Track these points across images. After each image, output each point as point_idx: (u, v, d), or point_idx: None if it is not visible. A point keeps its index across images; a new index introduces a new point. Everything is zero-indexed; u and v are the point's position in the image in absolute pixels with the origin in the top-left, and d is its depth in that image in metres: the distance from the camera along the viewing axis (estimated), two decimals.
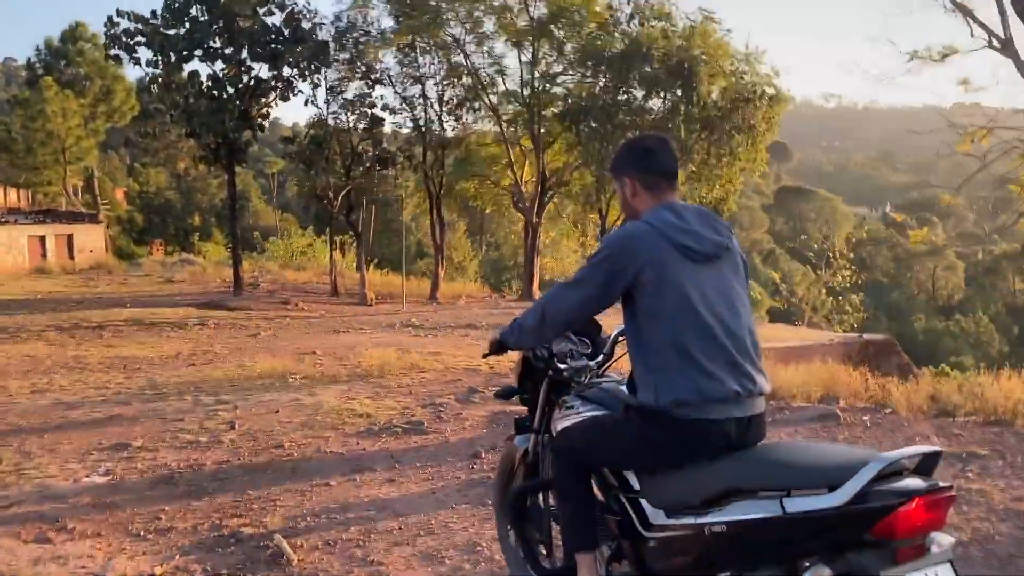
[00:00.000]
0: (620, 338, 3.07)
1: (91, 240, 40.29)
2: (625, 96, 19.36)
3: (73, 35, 47.01)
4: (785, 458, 2.24)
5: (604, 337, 3.23)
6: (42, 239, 37.22)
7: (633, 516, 2.52)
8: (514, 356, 3.26)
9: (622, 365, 2.93)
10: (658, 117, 19.31)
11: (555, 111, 22.49)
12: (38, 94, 42.65)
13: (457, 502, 4.75)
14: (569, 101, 21.55)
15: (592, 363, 3.09)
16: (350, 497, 4.93)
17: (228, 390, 8.60)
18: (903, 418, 6.52)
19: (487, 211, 30.63)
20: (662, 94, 19.03)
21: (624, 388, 2.77)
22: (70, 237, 38.96)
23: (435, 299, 22.74)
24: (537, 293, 23.95)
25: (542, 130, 22.58)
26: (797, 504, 2.06)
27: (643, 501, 2.48)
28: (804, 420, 6.40)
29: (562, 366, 3.00)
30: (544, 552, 3.18)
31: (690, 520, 2.28)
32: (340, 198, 22.91)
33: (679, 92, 18.32)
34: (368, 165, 23.32)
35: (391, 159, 23.40)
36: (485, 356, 3.04)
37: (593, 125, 19.36)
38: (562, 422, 2.87)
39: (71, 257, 37.53)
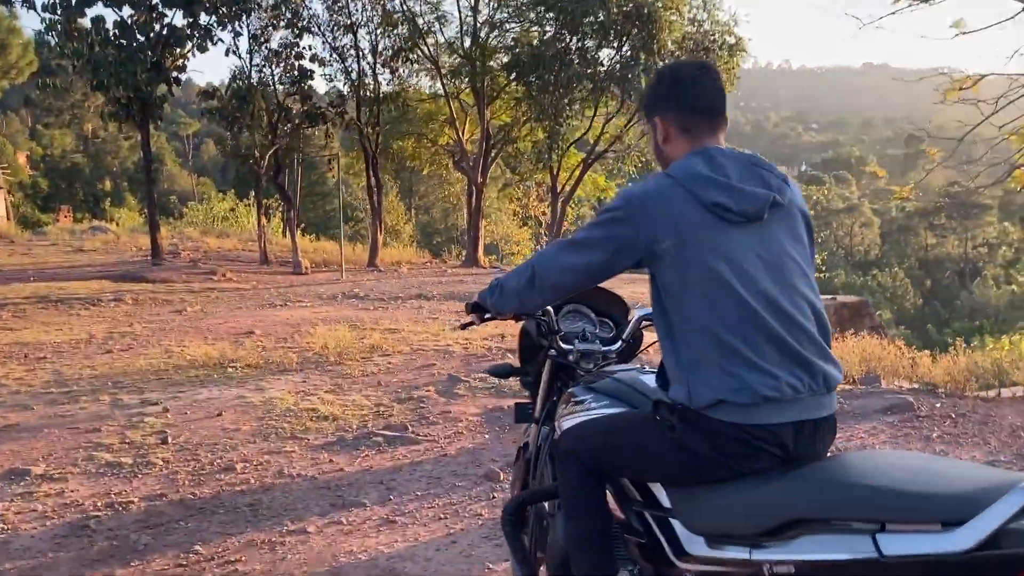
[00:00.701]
0: (646, 322, 2.64)
1: None
2: (580, 44, 17.99)
3: None
4: (876, 477, 1.65)
5: (630, 321, 2.68)
6: None
7: (663, 540, 2.02)
8: (513, 328, 2.73)
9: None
10: (615, 67, 17.99)
11: (502, 62, 21.01)
12: None
13: (492, 557, 3.48)
14: (517, 51, 20.07)
15: (606, 349, 2.59)
16: (339, 551, 3.62)
17: (155, 385, 7.12)
18: (980, 403, 5.52)
19: (425, 172, 28.98)
20: (617, 43, 17.69)
21: (646, 379, 2.27)
22: None
23: (375, 266, 21.24)
24: (483, 259, 22.65)
25: (486, 83, 21.08)
26: (899, 544, 1.53)
27: (675, 523, 1.99)
28: (872, 413, 5.32)
29: (566, 346, 2.53)
30: None
31: (742, 554, 1.78)
32: (267, 158, 21.05)
33: (637, 41, 17.05)
34: (297, 122, 21.49)
35: (321, 116, 21.60)
36: (463, 327, 2.63)
37: (546, 77, 17.95)
38: (567, 420, 2.34)
39: None
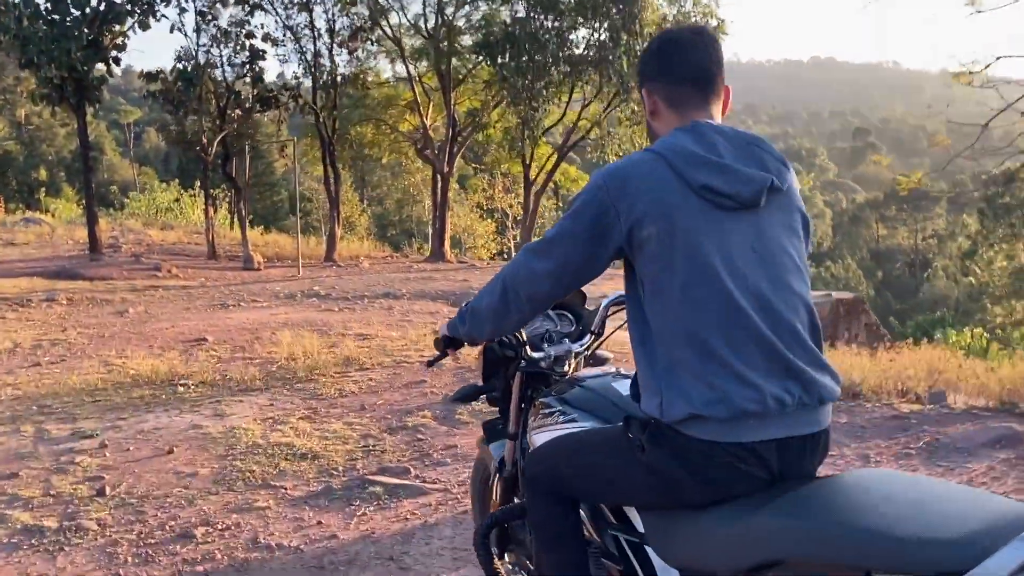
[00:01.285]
0: (613, 309, 2.39)
1: None
2: (557, 23, 16.93)
3: None
4: (867, 514, 1.37)
5: (590, 310, 2.46)
6: None
7: (637, 569, 1.82)
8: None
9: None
10: (594, 47, 16.91)
11: (471, 42, 19.84)
12: None
13: None
14: (487, 31, 18.89)
15: (576, 346, 2.35)
16: None
17: (91, 410, 5.93)
18: None
19: (384, 160, 27.61)
20: (596, 23, 16.65)
21: (619, 386, 2.04)
22: None
23: (333, 261, 20.00)
24: (450, 253, 21.51)
25: (451, 66, 19.91)
26: None
27: (650, 551, 1.77)
28: (979, 447, 4.42)
29: (537, 354, 2.27)
30: None
31: None
32: (215, 145, 19.63)
33: (616, 20, 16.05)
34: (247, 107, 20.09)
35: (274, 100, 20.26)
36: (430, 365, 2.34)
37: (520, 58, 16.81)
38: (538, 435, 2.11)
39: None
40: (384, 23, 20.28)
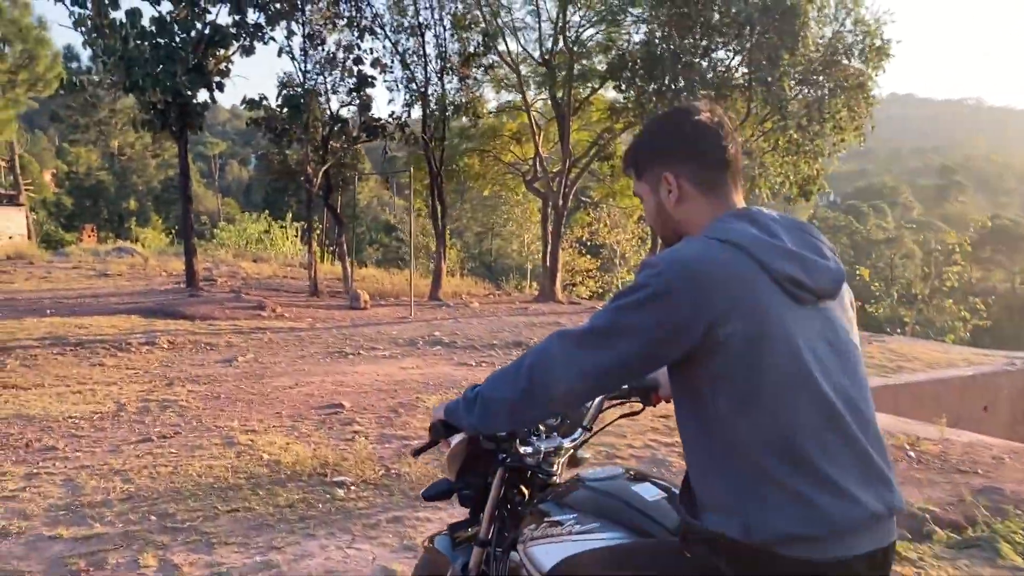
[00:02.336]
0: (607, 404, 2.19)
1: (10, 225, 34.99)
2: (704, 42, 15.19)
3: None
4: None
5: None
6: None
7: None
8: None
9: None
10: (738, 71, 15.06)
11: (593, 65, 18.28)
12: None
13: None
14: (617, 51, 17.24)
15: (568, 441, 2.06)
16: None
17: (227, 528, 4.36)
18: None
19: (485, 193, 26.21)
20: (750, 41, 14.77)
21: (640, 490, 1.81)
22: None
23: (439, 299, 18.52)
24: (560, 293, 19.84)
25: (572, 92, 18.37)
26: None
27: None
28: None
29: (526, 449, 1.97)
30: None
31: None
32: (319, 176, 18.46)
33: (774, 39, 14.22)
34: (355, 135, 18.90)
35: (380, 129, 19.02)
36: (417, 453, 2.05)
37: (661, 81, 15.07)
38: (542, 548, 1.82)
39: None
40: (498, 47, 18.87)
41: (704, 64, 15.10)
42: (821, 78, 14.34)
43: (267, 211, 39.94)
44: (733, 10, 14.13)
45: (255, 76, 20.82)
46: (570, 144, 19.21)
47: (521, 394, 1.56)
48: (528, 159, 22.12)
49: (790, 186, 16.08)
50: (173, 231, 43.96)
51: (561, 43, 18.47)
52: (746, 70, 14.83)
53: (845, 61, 14.90)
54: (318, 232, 37.21)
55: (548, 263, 19.55)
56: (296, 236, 35.06)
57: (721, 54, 15.59)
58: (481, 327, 13.88)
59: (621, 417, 2.25)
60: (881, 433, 1.52)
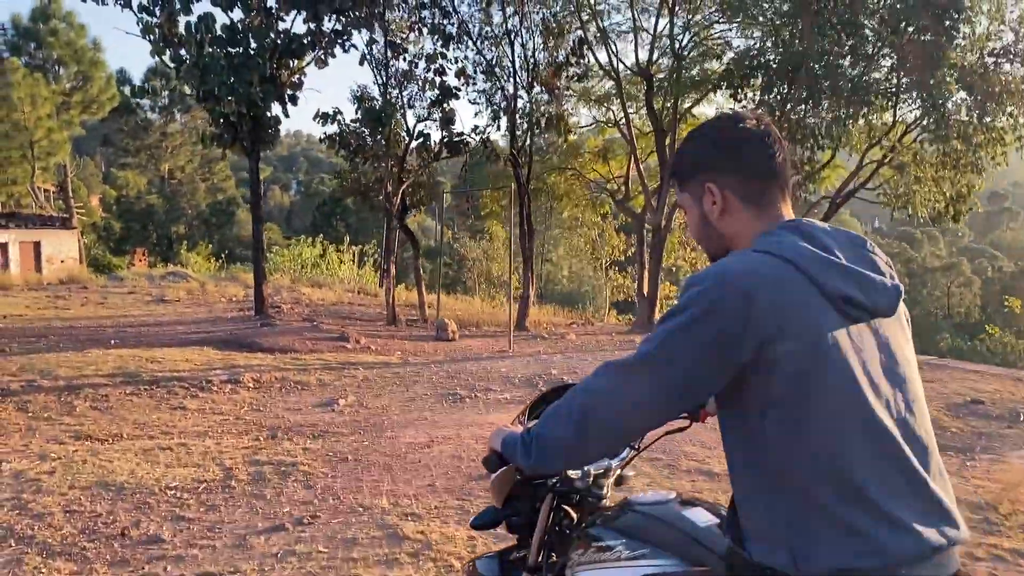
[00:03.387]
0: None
1: (62, 249, 34.17)
2: (851, 42, 13.42)
3: (45, 12, 40.66)
4: None
5: None
6: (3, 246, 30.99)
7: None
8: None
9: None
10: (900, 69, 13.13)
11: (708, 71, 16.64)
12: (3, 78, 36.34)
13: None
14: (736, 55, 15.54)
15: (616, 462, 1.98)
16: None
17: None
18: None
19: (565, 214, 24.63)
20: (907, 39, 12.85)
21: (692, 515, 1.74)
22: (37, 245, 32.79)
23: (525, 329, 16.94)
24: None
25: (676, 102, 16.75)
26: None
27: None
28: None
29: (575, 473, 1.90)
30: None
31: None
32: (399, 195, 17.05)
33: (928, 40, 12.42)
34: (436, 151, 17.48)
35: (464, 145, 17.58)
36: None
37: (816, 86, 13.05)
38: (594, 572, 1.77)
39: (38, 269, 31.38)
40: (594, 56, 17.36)
41: (847, 64, 13.22)
42: (981, 81, 12.48)
43: (315, 235, 38.77)
44: (883, 3, 12.35)
45: (325, 92, 19.59)
46: (668, 160, 17.56)
47: (575, 433, 1.46)
48: (614, 178, 20.55)
49: (946, 205, 14.24)
50: (224, 255, 42.99)
51: (657, 51, 16.91)
52: (907, 73, 12.90)
53: (1008, 65, 13.08)
54: (375, 256, 36.03)
55: (648, 290, 17.82)
56: (353, 260, 33.85)
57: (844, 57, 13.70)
58: (596, 362, 12.25)
59: (668, 434, 1.93)
60: (941, 461, 1.42)
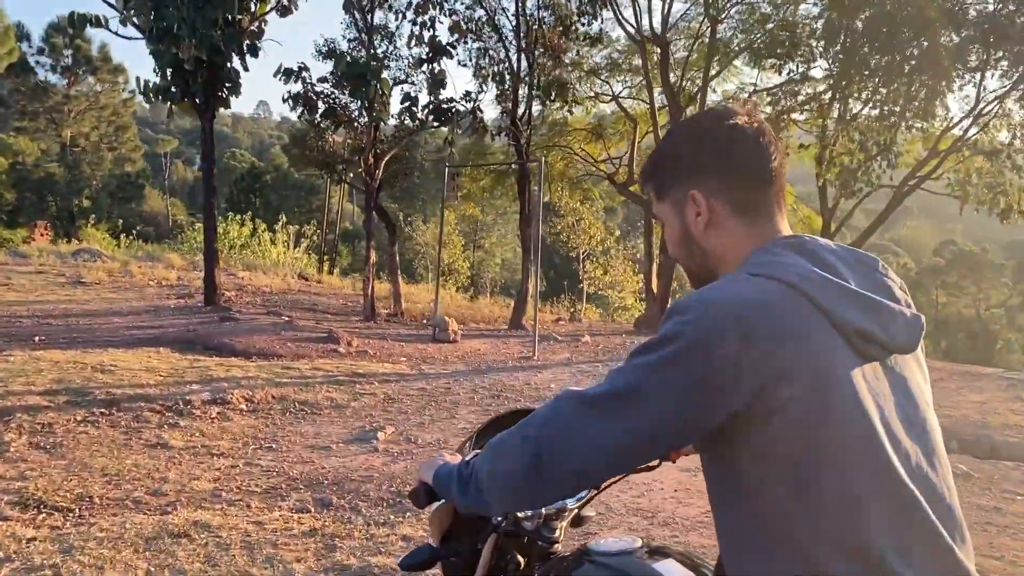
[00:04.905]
0: None
1: None
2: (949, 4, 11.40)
3: None
4: None
5: None
6: None
7: None
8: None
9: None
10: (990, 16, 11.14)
11: (738, 42, 14.61)
12: None
13: None
14: (781, 25, 13.48)
15: (573, 502, 1.71)
16: None
17: None
18: None
19: (560, 199, 22.23)
20: None
21: (664, 568, 1.50)
22: None
23: (522, 327, 14.80)
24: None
25: (707, 74, 14.72)
26: None
27: None
28: None
29: (523, 512, 1.64)
30: None
31: None
32: (381, 167, 14.59)
33: None
34: (423, 118, 15.08)
35: (453, 113, 15.24)
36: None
37: (893, 41, 10.87)
38: None
39: None
40: (608, 10, 15.14)
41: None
42: None
43: (234, 214, 35.38)
44: None
45: (285, 45, 16.94)
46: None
47: (525, 472, 1.23)
48: (611, 159, 18.52)
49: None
50: (134, 232, 39.32)
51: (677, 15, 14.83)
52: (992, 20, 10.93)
53: None
54: (313, 238, 33.05)
55: (659, 286, 15.83)
56: (287, 242, 30.95)
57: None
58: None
59: (634, 472, 1.52)
60: (960, 516, 1.21)
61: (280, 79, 15.29)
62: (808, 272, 1.18)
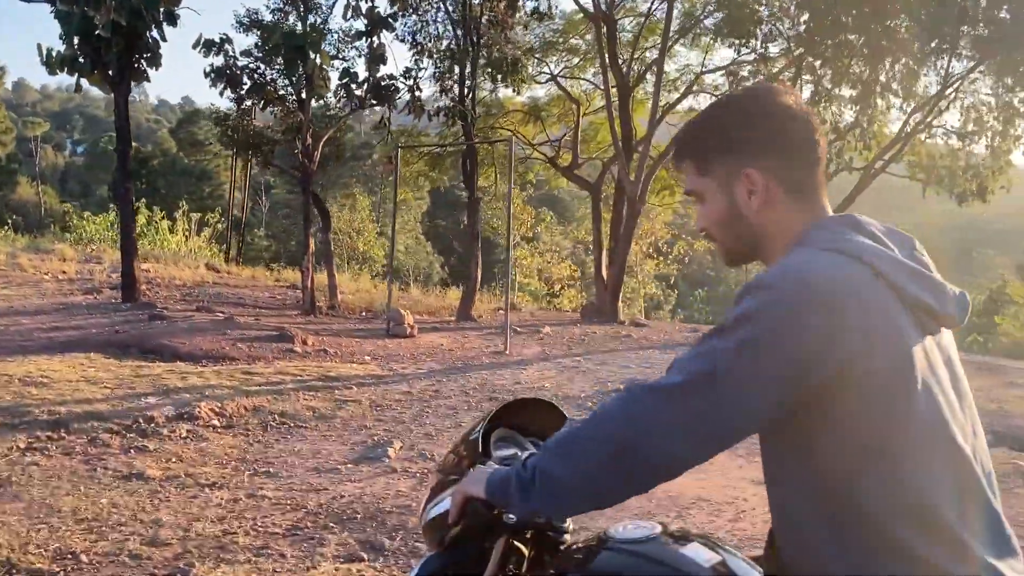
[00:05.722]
0: None
1: None
2: None
3: None
4: None
5: None
6: None
7: None
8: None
9: None
10: None
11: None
12: None
13: None
14: None
15: None
16: None
17: None
18: None
19: (491, 187, 21.33)
20: None
21: (691, 553, 1.39)
22: None
23: (471, 318, 14.03)
24: (622, 311, 15.57)
25: (663, 54, 14.15)
26: None
27: None
28: None
29: None
30: None
31: None
32: (320, 147, 13.48)
33: None
34: (362, 96, 14.01)
35: (393, 90, 14.25)
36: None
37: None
38: None
39: None
40: None
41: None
42: None
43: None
44: None
45: (204, 16, 15.54)
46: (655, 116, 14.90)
47: (606, 471, 1.19)
48: (550, 141, 17.85)
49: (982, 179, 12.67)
50: (8, 223, 36.22)
51: None
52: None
53: None
54: (218, 225, 31.10)
55: (609, 274, 15.24)
56: (188, 230, 28.97)
57: None
58: (616, 366, 9.62)
59: None
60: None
61: (200, 52, 13.93)
62: (875, 249, 1.18)
